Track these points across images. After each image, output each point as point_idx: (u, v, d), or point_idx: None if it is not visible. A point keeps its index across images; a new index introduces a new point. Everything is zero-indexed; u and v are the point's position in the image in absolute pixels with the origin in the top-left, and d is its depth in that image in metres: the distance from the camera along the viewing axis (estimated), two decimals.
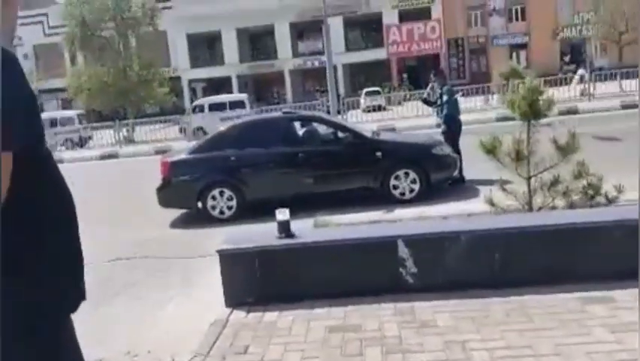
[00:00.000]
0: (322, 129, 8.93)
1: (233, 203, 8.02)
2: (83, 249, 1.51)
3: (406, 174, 8.05)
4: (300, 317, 3.66)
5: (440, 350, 3.01)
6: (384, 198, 7.98)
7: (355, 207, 7.49)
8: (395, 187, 8.07)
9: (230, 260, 3.94)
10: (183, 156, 8.58)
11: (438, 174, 8.26)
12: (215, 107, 23.28)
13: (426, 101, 12.40)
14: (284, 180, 8.09)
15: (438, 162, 8.37)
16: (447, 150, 8.62)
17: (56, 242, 1.40)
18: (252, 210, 7.83)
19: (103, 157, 19.45)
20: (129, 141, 23.75)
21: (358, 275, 3.87)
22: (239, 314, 3.83)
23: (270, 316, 3.74)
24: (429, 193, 8.04)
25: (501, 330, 3.19)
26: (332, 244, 3.98)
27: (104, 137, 23.41)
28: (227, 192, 8.02)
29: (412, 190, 8.06)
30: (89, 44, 29.91)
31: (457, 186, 8.76)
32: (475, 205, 6.81)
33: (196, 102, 24.01)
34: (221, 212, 8.02)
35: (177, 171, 8.27)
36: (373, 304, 3.71)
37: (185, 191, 8.19)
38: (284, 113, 9.44)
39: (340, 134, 8.46)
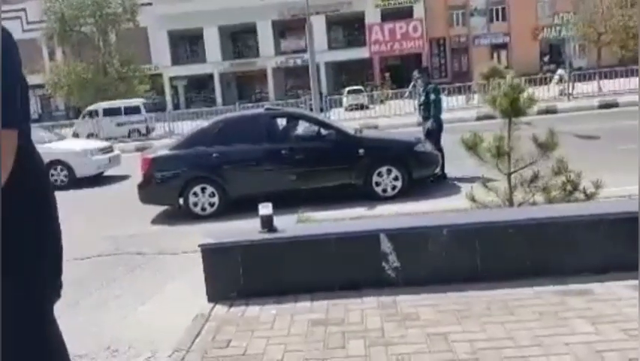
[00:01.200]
0: (304, 126, 8.93)
1: (215, 200, 7.98)
2: (62, 245, 1.49)
3: (389, 171, 8.10)
4: (283, 311, 3.66)
5: (422, 343, 3.03)
6: (367, 195, 8.01)
7: (338, 204, 7.51)
8: (377, 184, 8.11)
9: (212, 255, 3.93)
10: (165, 152, 8.51)
11: (420, 171, 8.32)
12: (110, 113, 23.14)
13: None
14: (266, 176, 8.07)
15: (420, 159, 8.42)
16: (429, 147, 8.68)
17: (38, 232, 1.38)
18: (235, 207, 7.81)
19: None
20: (107, 139, 23.47)
21: (341, 269, 3.88)
22: (221, 309, 3.82)
23: (253, 310, 3.73)
24: (411, 190, 8.09)
25: (482, 322, 3.22)
26: (314, 238, 3.98)
27: (81, 134, 23.09)
28: (209, 189, 7.98)
29: (394, 187, 8.10)
30: (68, 40, 29.59)
31: (439, 183, 8.84)
32: (456, 202, 6.88)
33: (90, 107, 23.68)
34: (203, 208, 7.98)
35: (158, 167, 8.21)
36: (356, 298, 3.72)
37: (167, 187, 8.14)
38: (266, 109, 9.41)
39: (323, 131, 8.47)
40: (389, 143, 9.01)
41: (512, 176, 5.45)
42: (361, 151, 8.13)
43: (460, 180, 8.52)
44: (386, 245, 3.82)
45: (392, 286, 3.81)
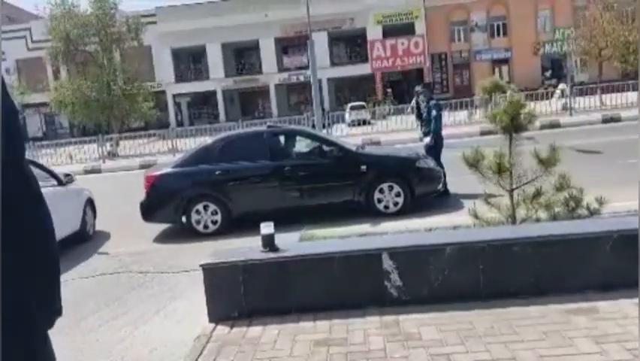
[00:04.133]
0: (306, 143, 8.94)
1: (218, 217, 7.97)
2: (61, 264, 1.49)
3: (390, 187, 8.08)
4: (285, 331, 3.63)
5: None
6: (371, 212, 7.99)
7: (341, 221, 7.49)
8: (379, 200, 8.09)
9: (214, 274, 3.91)
10: (168, 169, 8.52)
11: (422, 187, 8.30)
12: None
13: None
14: (269, 193, 8.07)
15: (422, 175, 8.41)
16: (431, 163, 8.67)
17: (33, 253, 1.37)
18: (238, 225, 7.80)
19: (86, 172, 19.25)
20: (113, 155, 23.57)
21: (343, 288, 3.86)
22: (223, 329, 3.79)
23: (255, 331, 3.70)
24: (414, 206, 8.07)
25: (486, 342, 3.19)
26: (316, 257, 3.96)
27: (88, 151, 23.19)
28: (212, 207, 7.98)
29: (396, 203, 8.08)
30: (72, 59, 29.78)
31: (442, 199, 8.82)
32: (459, 218, 6.85)
33: None
34: (206, 226, 7.97)
35: (161, 185, 8.21)
36: (359, 317, 3.70)
37: (170, 205, 8.13)
38: (268, 127, 9.44)
39: (325, 148, 8.48)
40: (391, 159, 9.00)
41: (515, 192, 5.44)
42: (363, 167, 8.13)
43: (463, 196, 8.49)
44: (388, 264, 3.80)
45: (395, 305, 3.79)
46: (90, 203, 8.87)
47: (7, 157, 1.26)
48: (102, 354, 4.02)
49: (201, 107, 45.46)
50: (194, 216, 7.97)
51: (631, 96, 21.06)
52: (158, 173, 8.50)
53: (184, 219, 8.07)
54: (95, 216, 8.98)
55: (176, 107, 44.38)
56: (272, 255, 3.92)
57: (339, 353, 3.22)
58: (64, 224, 7.38)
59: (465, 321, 3.49)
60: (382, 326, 3.55)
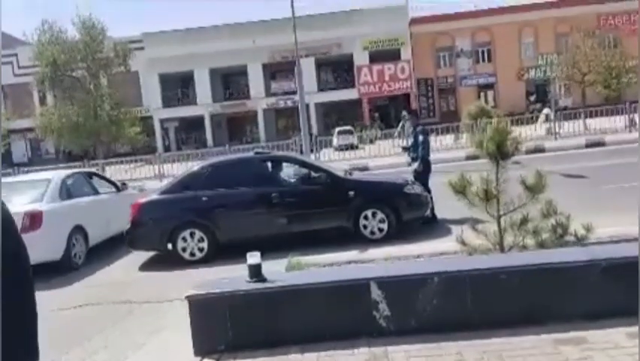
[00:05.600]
0: (294, 169, 8.93)
1: (205, 244, 7.89)
2: (40, 303, 1.44)
3: (376, 213, 8.05)
4: None
5: None
6: (359, 238, 7.95)
7: (329, 247, 7.44)
8: (365, 227, 8.06)
9: (199, 306, 3.84)
10: (154, 196, 8.44)
11: (409, 213, 8.27)
12: None
13: (406, 149, 11.86)
14: (256, 220, 8.00)
15: (409, 200, 8.39)
16: (418, 189, 8.67)
17: (10, 299, 1.32)
18: (224, 252, 7.72)
19: None
20: None
21: (332, 319, 3.81)
22: None
23: None
24: (401, 232, 8.04)
25: None
26: (304, 287, 3.91)
27: None
28: (199, 234, 7.90)
29: (381, 230, 8.04)
30: (59, 84, 29.76)
31: (430, 225, 8.81)
32: (447, 244, 6.83)
33: None
34: (192, 254, 7.87)
35: (147, 212, 8.13)
36: (347, 348, 3.63)
37: (155, 232, 8.03)
38: (256, 153, 9.43)
39: (312, 174, 8.46)
40: (378, 185, 8.99)
41: (502, 219, 5.44)
42: (351, 193, 8.11)
43: (450, 221, 8.48)
44: (376, 293, 3.76)
45: (383, 336, 3.73)
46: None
47: None
48: None
49: (189, 132, 45.46)
50: (180, 244, 7.87)
51: (613, 120, 21.39)
52: (144, 200, 8.42)
53: (170, 246, 7.97)
54: None
55: (163, 132, 44.34)
56: (259, 285, 3.86)
57: None
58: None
59: (454, 352, 3.45)
60: (371, 358, 3.49)
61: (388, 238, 7.91)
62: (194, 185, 8.19)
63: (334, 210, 8.12)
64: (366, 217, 8.06)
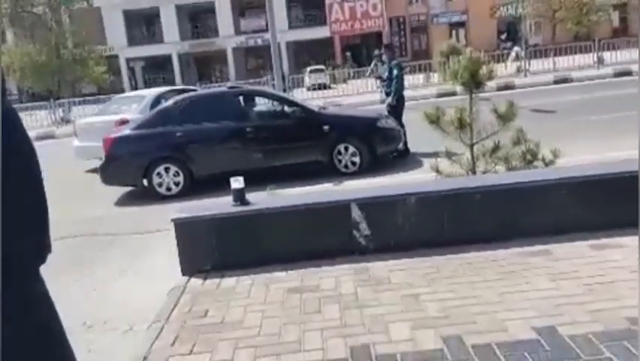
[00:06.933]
0: (268, 104, 8.92)
1: (180, 179, 7.93)
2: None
3: (349, 147, 8.20)
4: (258, 281, 3.73)
5: (395, 304, 3.15)
6: (334, 172, 8.10)
7: (304, 181, 7.58)
8: (340, 160, 8.21)
9: (185, 229, 3.95)
10: (127, 131, 8.37)
11: (382, 146, 8.44)
12: None
13: (380, 78, 12.36)
14: (232, 155, 8.05)
15: (382, 135, 8.54)
16: (391, 123, 8.80)
17: (23, 196, 1.39)
18: (200, 187, 7.79)
19: (39, 138, 18.63)
20: (66, 121, 22.82)
21: (314, 239, 3.97)
22: (196, 282, 3.86)
23: (228, 281, 3.78)
24: (375, 166, 8.21)
25: (451, 283, 3.37)
26: (287, 209, 4.05)
27: (39, 118, 22.37)
28: (174, 169, 7.92)
29: (354, 163, 8.21)
30: (19, 22, 28.39)
31: (403, 159, 9.01)
32: (420, 175, 7.05)
33: None
34: (168, 188, 7.92)
35: (121, 147, 8.08)
36: (329, 266, 3.82)
37: (130, 168, 8.02)
38: (229, 87, 9.35)
39: (287, 109, 8.48)
40: (351, 119, 9.09)
41: (475, 147, 5.63)
42: (326, 128, 8.19)
43: (423, 155, 8.69)
44: (357, 214, 3.92)
45: (364, 254, 3.93)
46: None
47: None
48: (74, 313, 4.02)
49: (156, 71, 44.19)
50: (155, 179, 7.90)
51: (579, 58, 21.67)
52: (117, 135, 8.34)
53: (145, 181, 7.99)
54: None
55: (129, 71, 43.10)
56: (243, 208, 3.98)
57: (312, 299, 3.35)
58: None
59: (431, 266, 3.66)
60: (352, 273, 3.68)
61: (362, 172, 8.09)
62: (169, 120, 8.14)
63: (309, 144, 8.21)
64: (339, 152, 8.19)
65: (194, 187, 7.88)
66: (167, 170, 7.91)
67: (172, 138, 7.97)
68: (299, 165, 8.20)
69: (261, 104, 9.13)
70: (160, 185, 7.91)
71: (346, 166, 8.22)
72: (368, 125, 8.61)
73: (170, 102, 8.78)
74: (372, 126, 8.56)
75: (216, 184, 7.54)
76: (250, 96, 9.01)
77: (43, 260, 1.55)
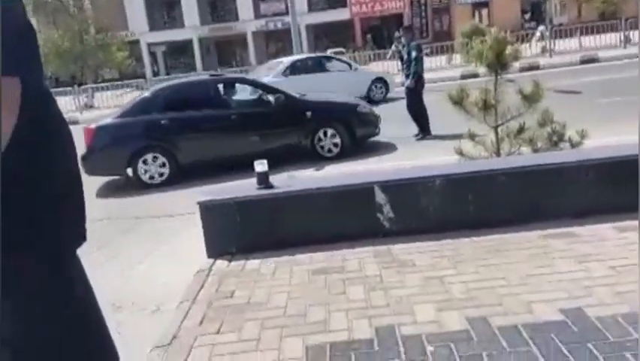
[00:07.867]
0: (250, 91, 9.04)
1: (166, 168, 7.95)
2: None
3: (326, 132, 8.43)
4: (283, 263, 3.77)
5: (419, 286, 3.16)
6: (316, 157, 8.37)
7: (287, 167, 7.61)
8: (322, 147, 8.47)
9: (210, 211, 4.00)
10: (109, 121, 8.31)
11: (361, 130, 8.72)
12: None
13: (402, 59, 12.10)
14: (216, 142, 8.14)
15: (361, 119, 8.81)
16: (369, 108, 9.18)
17: (59, 175, 1.42)
18: (186, 175, 7.86)
19: None
20: (89, 106, 23.12)
21: (337, 222, 3.99)
22: (221, 264, 3.91)
23: (253, 264, 3.83)
24: (354, 149, 8.52)
25: (475, 265, 3.36)
26: (311, 192, 4.06)
27: (62, 103, 22.63)
28: (159, 157, 7.92)
29: (336, 145, 8.47)
30: (42, 9, 28.75)
31: (424, 140, 8.97)
32: (441, 159, 7.01)
33: None
34: (152, 177, 7.94)
35: (104, 137, 8.00)
36: (353, 248, 3.84)
37: (114, 157, 8.00)
38: (211, 75, 9.52)
39: (269, 95, 8.55)
40: (331, 105, 9.19)
41: (499, 129, 5.57)
42: (308, 114, 8.37)
43: (445, 137, 8.62)
44: (380, 197, 3.93)
45: (387, 236, 3.93)
46: None
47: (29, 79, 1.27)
48: (100, 293, 4.11)
49: (177, 56, 44.43)
50: (141, 167, 7.90)
51: (608, 37, 21.16)
52: (98, 124, 8.23)
53: (130, 171, 8.02)
54: None
55: (151, 57, 43.36)
56: (267, 192, 4.01)
57: (336, 280, 3.37)
58: None
59: (455, 248, 3.66)
60: (376, 256, 3.70)
61: (343, 156, 8.35)
62: (150, 108, 8.12)
63: (291, 130, 8.38)
64: (320, 138, 8.41)
65: (180, 176, 7.93)
66: (153, 159, 7.91)
67: (156, 126, 7.95)
68: (281, 150, 8.19)
69: (243, 92, 9.24)
70: (145, 174, 7.91)
71: (329, 150, 8.46)
72: (346, 111, 8.91)
73: (150, 91, 8.78)
74: (350, 111, 8.86)
75: (203, 172, 7.82)
76: (231, 84, 9.25)
77: (77, 245, 1.59)
